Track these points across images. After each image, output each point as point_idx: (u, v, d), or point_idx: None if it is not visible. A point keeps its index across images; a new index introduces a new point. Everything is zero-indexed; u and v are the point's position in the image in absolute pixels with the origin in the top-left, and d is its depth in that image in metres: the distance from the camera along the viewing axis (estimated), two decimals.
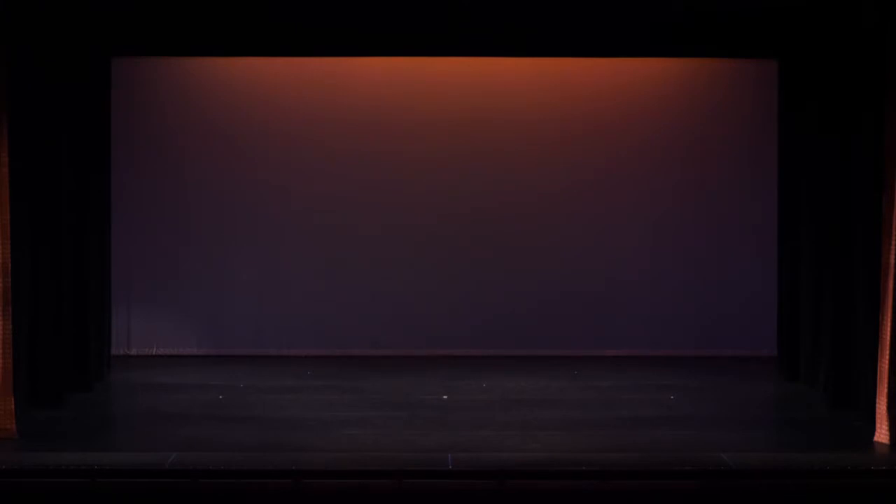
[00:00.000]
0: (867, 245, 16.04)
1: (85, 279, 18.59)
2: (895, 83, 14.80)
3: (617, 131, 21.08)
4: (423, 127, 21.08)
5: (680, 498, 13.18)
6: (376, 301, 21.09)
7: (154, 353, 20.93)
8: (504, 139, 21.05)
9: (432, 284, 21.13)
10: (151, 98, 20.91)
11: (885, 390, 14.92)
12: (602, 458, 14.19)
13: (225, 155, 21.04)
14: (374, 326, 21.02)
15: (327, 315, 21.11)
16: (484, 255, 21.14)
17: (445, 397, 17.77)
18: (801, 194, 18.82)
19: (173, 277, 21.10)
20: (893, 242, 14.81)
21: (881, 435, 14.98)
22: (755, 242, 20.89)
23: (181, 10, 17.95)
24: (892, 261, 14.82)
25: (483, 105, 21.03)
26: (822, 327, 17.81)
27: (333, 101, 21.05)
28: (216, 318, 21.12)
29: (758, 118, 20.65)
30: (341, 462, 13.89)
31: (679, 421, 16.41)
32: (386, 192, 21.10)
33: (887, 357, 14.85)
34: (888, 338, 14.84)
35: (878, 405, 15.09)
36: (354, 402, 17.46)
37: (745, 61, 20.55)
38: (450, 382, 18.81)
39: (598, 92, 21.10)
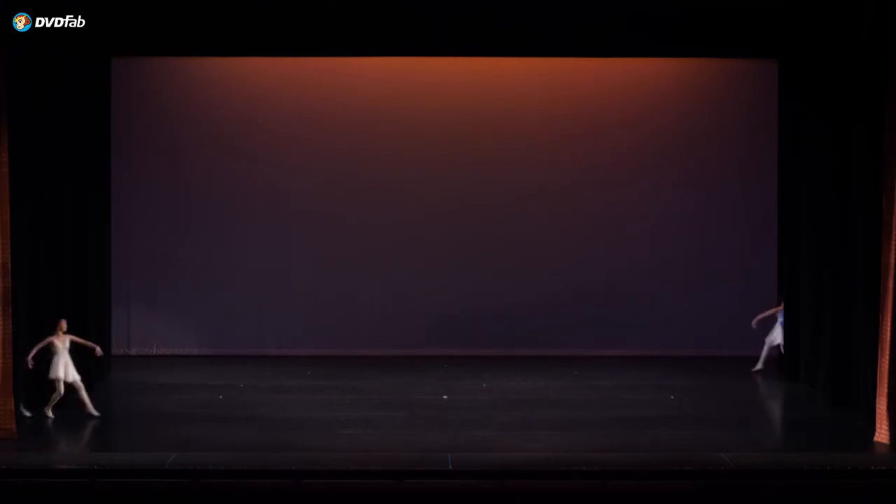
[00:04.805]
0: (867, 245, 16.05)
1: (85, 279, 18.61)
2: (895, 83, 14.81)
3: (617, 132, 21.09)
4: (423, 127, 21.10)
5: (680, 498, 13.20)
6: (376, 301, 21.11)
7: (154, 353, 20.94)
8: (504, 139, 21.07)
9: (432, 284, 21.14)
10: (151, 98, 20.93)
11: (885, 390, 14.94)
12: (602, 458, 14.21)
13: (225, 155, 21.05)
14: (374, 326, 21.04)
15: (327, 315, 21.13)
16: (484, 256, 21.15)
17: (445, 397, 17.78)
18: (801, 194, 18.84)
19: (173, 277, 21.12)
20: (893, 243, 14.82)
21: (881, 435, 15.00)
22: (755, 243, 20.91)
23: (181, 11, 17.96)
24: (892, 261, 14.84)
25: (484, 105, 21.05)
26: (822, 327, 17.82)
27: (333, 101, 21.06)
28: (216, 318, 21.14)
29: (758, 118, 20.68)
30: (341, 462, 13.91)
31: (679, 421, 16.43)
32: (386, 193, 21.11)
33: (887, 357, 14.87)
34: (888, 338, 14.86)
35: (878, 405, 15.11)
36: (354, 402, 17.48)
37: (745, 61, 20.56)
38: (450, 382, 18.84)
39: (598, 92, 21.11)
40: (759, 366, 19.67)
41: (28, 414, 16.19)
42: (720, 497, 13.19)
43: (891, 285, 14.84)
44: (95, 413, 16.36)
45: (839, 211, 17.15)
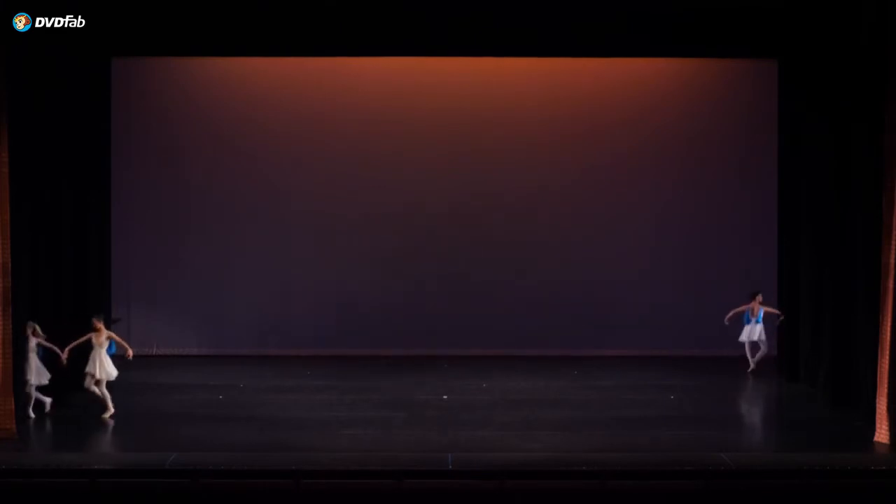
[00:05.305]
0: (867, 245, 16.05)
1: (85, 279, 18.61)
2: (895, 83, 14.81)
3: (617, 132, 21.10)
4: (423, 127, 21.10)
5: (680, 498, 13.19)
6: (376, 301, 21.11)
7: (154, 353, 20.92)
8: (504, 139, 21.07)
9: (433, 285, 21.15)
10: (151, 98, 20.93)
11: (885, 390, 14.92)
12: (602, 458, 14.20)
13: (225, 155, 21.06)
14: (374, 326, 21.04)
15: (327, 315, 21.14)
16: (484, 256, 21.16)
17: (445, 397, 17.77)
18: (801, 194, 18.84)
19: (173, 277, 21.12)
20: (893, 243, 14.81)
21: (881, 435, 14.99)
22: (755, 243, 20.91)
23: (181, 11, 17.96)
24: (892, 261, 14.83)
25: (484, 105, 21.05)
26: (822, 327, 17.82)
27: (333, 101, 21.07)
28: (216, 318, 21.14)
29: (758, 118, 20.68)
30: (341, 462, 13.90)
31: (679, 421, 16.42)
32: (386, 193, 21.11)
33: (887, 357, 14.86)
34: (888, 338, 14.85)
35: (878, 405, 15.10)
36: (354, 402, 17.47)
37: (745, 61, 20.57)
38: (450, 382, 18.84)
39: (598, 92, 21.12)
40: (752, 366, 19.71)
41: (33, 416, 16.21)
42: (720, 497, 13.18)
43: (891, 285, 14.83)
44: (107, 415, 16.37)
45: (839, 211, 17.15)
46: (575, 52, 19.60)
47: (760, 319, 19.64)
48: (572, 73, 20.95)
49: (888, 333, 14.85)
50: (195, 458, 13.94)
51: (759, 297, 19.66)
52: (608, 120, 21.10)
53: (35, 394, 16.34)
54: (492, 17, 18.07)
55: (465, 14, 17.95)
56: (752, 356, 19.78)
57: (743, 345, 19.90)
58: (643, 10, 17.93)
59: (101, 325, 16.64)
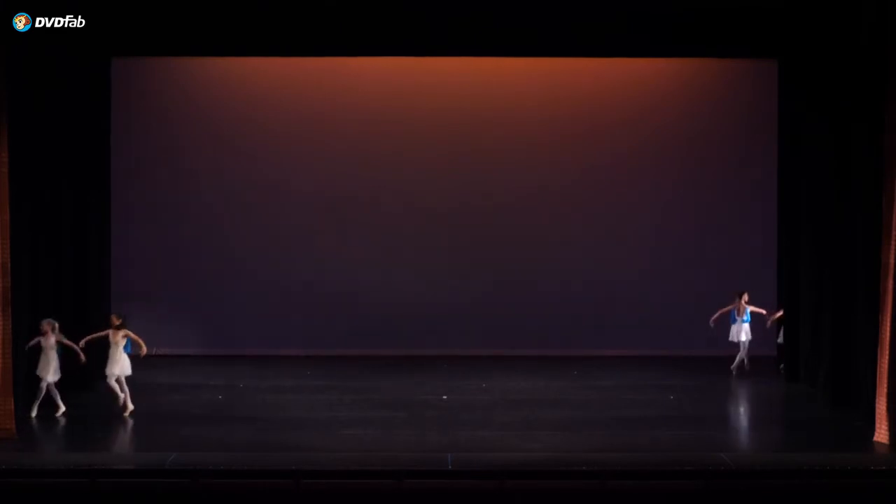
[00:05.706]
0: (867, 245, 16.05)
1: (85, 279, 18.60)
2: (895, 83, 14.81)
3: (617, 132, 21.11)
4: (423, 127, 21.11)
5: (680, 498, 13.19)
6: (376, 301, 21.10)
7: (154, 353, 20.87)
8: (504, 139, 21.08)
9: (432, 285, 21.14)
10: (151, 98, 20.94)
11: (885, 390, 14.92)
12: (602, 458, 14.20)
13: (225, 155, 21.07)
14: (374, 326, 21.03)
15: (327, 315, 21.13)
16: (484, 256, 21.17)
17: (445, 397, 17.77)
18: (801, 194, 18.84)
19: (173, 277, 21.13)
20: (893, 243, 14.81)
21: (881, 435, 14.98)
22: (755, 243, 20.92)
23: (181, 11, 17.95)
24: (892, 261, 14.83)
25: (484, 105, 21.06)
26: (822, 327, 17.82)
27: (333, 101, 21.07)
28: (216, 318, 21.14)
29: (758, 118, 20.68)
30: (341, 462, 13.89)
31: (679, 421, 16.42)
32: (386, 193, 21.12)
33: (887, 357, 14.86)
34: (888, 338, 14.85)
35: (877, 405, 15.10)
36: (354, 402, 17.47)
37: (745, 61, 20.57)
38: (450, 382, 18.83)
39: (598, 92, 21.13)
40: (746, 365, 19.68)
41: (34, 415, 16.22)
42: (720, 497, 13.18)
43: (891, 285, 14.83)
44: (120, 402, 16.39)
45: (839, 211, 17.15)
46: (575, 52, 19.59)
47: (748, 319, 19.63)
48: (572, 73, 20.96)
49: (888, 333, 14.86)
50: (195, 458, 13.94)
51: (746, 297, 19.66)
52: (608, 120, 21.11)
53: (52, 390, 16.34)
54: (492, 17, 18.06)
55: (465, 14, 17.94)
56: (747, 355, 19.75)
57: (735, 345, 19.88)
58: (643, 10, 17.92)
59: (118, 323, 16.64)
